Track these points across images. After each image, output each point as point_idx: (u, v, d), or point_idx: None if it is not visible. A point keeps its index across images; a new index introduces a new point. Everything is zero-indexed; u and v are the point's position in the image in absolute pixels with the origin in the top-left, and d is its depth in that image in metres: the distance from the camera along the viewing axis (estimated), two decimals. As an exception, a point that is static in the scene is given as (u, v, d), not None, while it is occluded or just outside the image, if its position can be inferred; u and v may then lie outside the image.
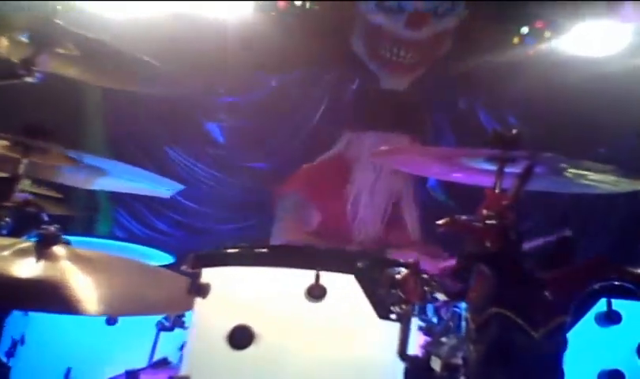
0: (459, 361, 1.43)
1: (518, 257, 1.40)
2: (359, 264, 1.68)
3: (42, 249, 1.84)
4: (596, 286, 1.66)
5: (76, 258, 2.00)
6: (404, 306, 1.61)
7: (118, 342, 2.71)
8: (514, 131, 1.78)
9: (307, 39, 4.62)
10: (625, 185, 1.82)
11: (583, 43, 4.76)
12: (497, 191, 1.75)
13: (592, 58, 4.73)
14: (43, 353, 2.60)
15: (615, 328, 1.70)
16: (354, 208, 2.84)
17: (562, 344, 1.33)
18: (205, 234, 4.69)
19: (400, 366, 1.59)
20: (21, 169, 2.07)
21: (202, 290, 1.81)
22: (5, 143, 2.04)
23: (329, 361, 1.64)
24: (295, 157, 4.64)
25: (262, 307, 1.70)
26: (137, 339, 2.81)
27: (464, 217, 1.81)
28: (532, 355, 1.31)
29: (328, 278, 1.67)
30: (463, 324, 1.45)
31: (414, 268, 1.64)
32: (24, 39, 2.07)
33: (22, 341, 2.58)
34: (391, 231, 2.91)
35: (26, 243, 1.93)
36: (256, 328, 1.66)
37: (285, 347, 1.65)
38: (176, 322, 2.51)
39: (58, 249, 1.84)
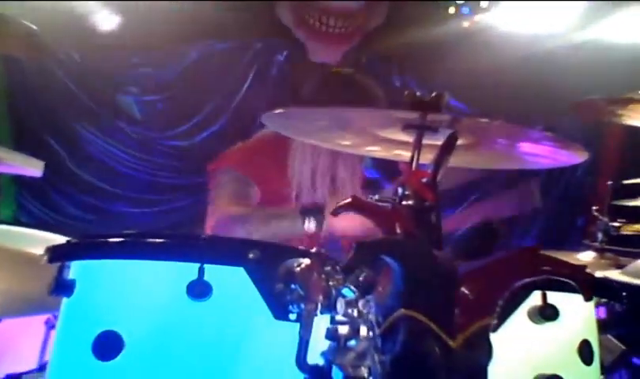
0: (364, 373, 1.18)
1: (433, 246, 1.15)
2: (251, 255, 1.40)
3: None
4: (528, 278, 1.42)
5: None
6: (305, 305, 1.34)
7: (5, 342, 2.50)
8: (434, 93, 1.54)
9: (229, 6, 4.31)
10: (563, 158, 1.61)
11: (521, 17, 4.59)
12: (414, 165, 1.50)
13: (529, 34, 4.57)
14: None
15: (551, 324, 1.47)
16: (296, 190, 2.58)
17: (486, 354, 1.08)
18: (121, 219, 4.37)
19: (298, 375, 1.33)
20: None
21: (67, 288, 1.51)
22: None
23: (215, 371, 1.36)
24: (223, 133, 4.36)
25: (135, 308, 1.41)
26: (23, 338, 2.57)
27: (371, 197, 1.57)
28: (448, 369, 1.06)
29: (214, 272, 1.39)
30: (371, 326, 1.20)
31: (317, 258, 1.38)
32: None
33: None
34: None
35: None
36: (126, 334, 1.37)
37: (162, 355, 1.37)
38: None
39: None
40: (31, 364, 2.43)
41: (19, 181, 4.14)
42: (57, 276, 1.52)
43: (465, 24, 4.61)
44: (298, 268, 1.37)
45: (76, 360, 1.42)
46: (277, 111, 1.56)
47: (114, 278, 1.45)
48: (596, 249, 2.82)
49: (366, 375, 1.18)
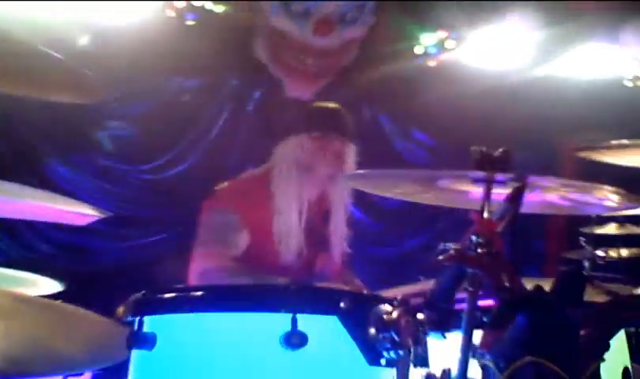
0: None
1: (551, 297, 1.22)
2: (342, 304, 1.44)
3: None
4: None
5: None
6: (399, 351, 1.39)
7: None
8: (502, 150, 1.62)
9: (206, 44, 4.33)
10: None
11: (484, 54, 4.80)
12: (486, 216, 1.58)
13: (494, 70, 4.78)
14: None
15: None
16: (278, 229, 2.59)
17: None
18: (96, 255, 4.28)
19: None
20: None
21: (148, 341, 1.50)
22: None
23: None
24: (197, 168, 4.34)
25: (228, 361, 1.43)
26: None
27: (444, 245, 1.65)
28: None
29: (306, 322, 1.42)
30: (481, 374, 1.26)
31: (405, 306, 1.43)
32: None
33: None
34: (318, 254, 2.69)
35: None
36: (224, 385, 1.39)
37: (261, 406, 1.39)
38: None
39: None
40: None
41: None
42: (137, 330, 1.51)
43: (432, 63, 4.79)
44: (388, 315, 1.43)
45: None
46: (364, 172, 1.62)
47: (205, 331, 1.46)
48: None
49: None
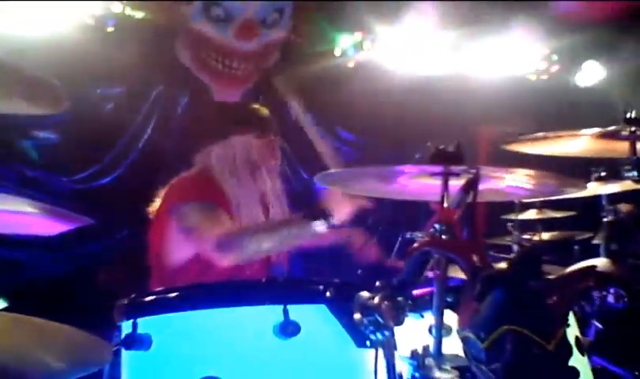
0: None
1: (520, 271, 1.40)
2: (328, 293, 1.57)
3: None
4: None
5: None
6: (384, 332, 1.53)
7: None
8: (455, 144, 1.79)
9: (130, 51, 4.33)
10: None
11: (398, 53, 5.04)
12: (445, 205, 1.75)
13: (408, 69, 5.02)
14: None
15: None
16: (242, 221, 2.72)
17: (570, 352, 1.36)
18: (27, 268, 4.20)
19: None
20: None
21: (144, 342, 1.59)
22: None
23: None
24: (130, 175, 4.34)
25: (226, 354, 1.53)
26: None
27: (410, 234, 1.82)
28: (549, 366, 1.32)
29: (297, 312, 1.54)
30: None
31: (385, 289, 1.58)
32: None
33: None
34: None
35: None
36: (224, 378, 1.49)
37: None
38: None
39: None
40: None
41: None
42: (132, 333, 1.58)
43: (350, 64, 4.98)
44: (371, 300, 1.57)
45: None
46: (331, 171, 1.75)
47: (200, 328, 1.55)
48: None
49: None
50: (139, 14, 4.33)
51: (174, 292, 1.61)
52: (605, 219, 2.78)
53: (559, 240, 4.15)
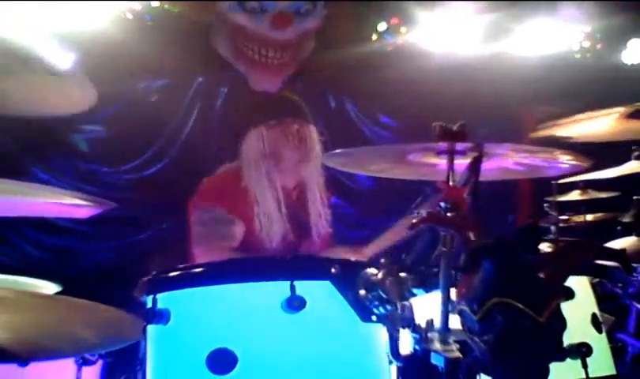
0: (459, 354, 1.45)
1: (510, 244, 1.44)
2: (334, 270, 1.64)
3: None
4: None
5: None
6: (387, 307, 1.59)
7: None
8: (458, 124, 1.83)
9: (169, 44, 4.46)
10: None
11: (437, 37, 5.03)
12: (451, 184, 1.78)
13: (447, 51, 5.01)
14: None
15: (568, 303, 1.79)
16: (259, 219, 2.77)
17: (564, 324, 1.39)
18: (82, 256, 4.40)
19: (387, 367, 1.59)
20: None
21: (163, 317, 1.69)
22: None
23: (316, 372, 1.59)
24: (174, 166, 4.48)
25: (237, 327, 1.62)
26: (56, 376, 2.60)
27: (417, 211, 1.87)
28: (541, 339, 1.36)
29: (303, 287, 1.62)
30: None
31: (389, 266, 1.64)
32: None
33: None
34: (301, 239, 2.88)
35: None
36: (237, 350, 1.57)
37: (270, 364, 1.58)
38: (100, 354, 2.33)
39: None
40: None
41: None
42: (152, 307, 1.69)
43: (388, 48, 5.00)
44: (375, 277, 1.63)
45: (189, 376, 1.60)
46: (341, 151, 1.81)
47: (213, 303, 1.64)
48: (551, 241, 3.20)
49: (460, 354, 1.45)
50: (176, 8, 4.46)
51: (190, 269, 1.70)
52: (636, 197, 2.77)
53: (603, 221, 4.10)
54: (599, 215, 4.09)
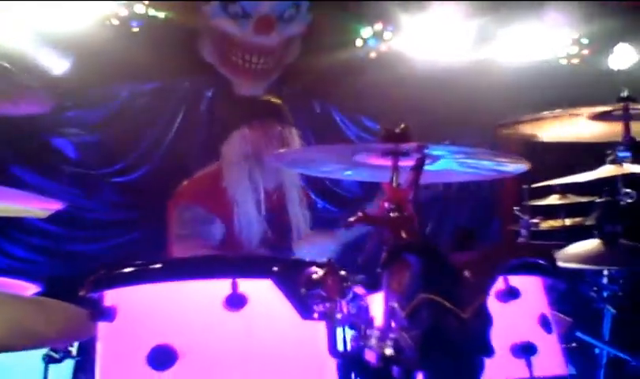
0: (391, 351, 1.48)
1: (437, 244, 1.47)
2: (275, 268, 1.67)
3: None
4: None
5: None
6: (327, 304, 1.62)
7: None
8: (402, 126, 1.86)
9: (155, 49, 4.52)
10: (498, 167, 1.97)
11: (422, 42, 5.07)
12: (394, 185, 1.81)
13: (430, 57, 5.05)
14: None
15: (515, 303, 1.83)
16: (238, 220, 2.81)
17: (489, 321, 1.42)
18: (72, 257, 4.46)
19: (329, 363, 1.61)
20: None
21: (109, 314, 1.72)
22: None
23: (257, 369, 1.62)
24: (161, 169, 4.54)
25: (179, 324, 1.65)
26: (23, 375, 2.64)
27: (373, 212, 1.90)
28: (464, 334, 1.38)
29: (245, 285, 1.65)
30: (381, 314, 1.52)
31: (330, 267, 1.66)
32: None
33: None
34: (281, 239, 2.92)
35: None
36: (178, 346, 1.61)
37: (210, 360, 1.61)
38: (65, 352, 2.37)
39: None
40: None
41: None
42: (98, 305, 1.72)
43: (372, 54, 5.06)
44: (316, 275, 1.66)
45: (131, 372, 1.63)
46: (285, 151, 1.84)
47: (157, 300, 1.68)
48: (520, 245, 3.22)
49: (392, 351, 1.48)
50: (162, 15, 4.52)
51: (136, 267, 1.74)
52: (598, 200, 2.78)
53: (579, 226, 4.11)
54: (577, 219, 4.11)
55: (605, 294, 3.23)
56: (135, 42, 4.46)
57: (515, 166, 1.92)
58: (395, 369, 1.50)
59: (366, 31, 4.98)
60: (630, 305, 3.25)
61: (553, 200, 4.06)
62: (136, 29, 4.47)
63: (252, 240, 2.82)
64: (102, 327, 1.76)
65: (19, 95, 2.02)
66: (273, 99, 3.13)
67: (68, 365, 2.83)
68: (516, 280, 1.88)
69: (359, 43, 5.03)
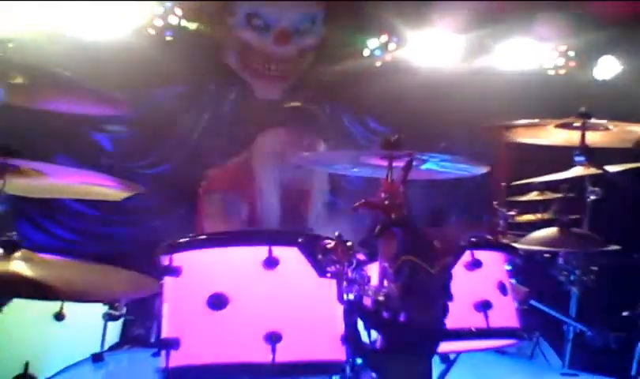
0: (382, 298, 2.09)
1: (414, 222, 2.08)
2: (300, 239, 2.28)
3: (10, 254, 2.29)
4: (463, 242, 2.40)
5: (37, 259, 2.41)
6: (337, 266, 2.23)
7: (69, 335, 3.06)
8: (396, 137, 2.46)
9: (185, 56, 5.13)
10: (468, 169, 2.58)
11: (423, 52, 5.66)
12: (389, 180, 2.42)
13: (430, 66, 5.64)
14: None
15: (478, 271, 2.44)
16: (261, 208, 3.42)
17: (450, 276, 2.03)
18: (107, 239, 5.06)
19: (338, 308, 2.22)
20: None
21: (176, 271, 2.33)
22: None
23: (286, 313, 2.22)
24: (188, 162, 5.15)
25: (229, 278, 2.26)
26: (84, 331, 3.14)
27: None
28: (432, 284, 2.00)
29: (278, 251, 2.26)
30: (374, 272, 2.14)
31: (340, 239, 2.27)
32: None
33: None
34: (293, 222, 3.51)
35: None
36: (229, 293, 2.22)
37: (252, 304, 2.22)
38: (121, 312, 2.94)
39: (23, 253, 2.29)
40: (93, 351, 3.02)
41: (18, 210, 4.75)
42: (169, 264, 2.33)
43: (378, 63, 5.66)
44: (329, 245, 2.27)
45: (195, 312, 2.24)
46: (309, 154, 2.45)
47: (213, 261, 2.29)
48: (498, 233, 3.80)
49: (383, 298, 2.09)
50: (193, 26, 5.13)
51: (198, 237, 2.35)
52: (557, 195, 3.39)
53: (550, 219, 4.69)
54: (552, 214, 4.69)
55: (572, 278, 3.84)
56: (168, 49, 5.07)
57: (479, 168, 2.53)
58: (385, 313, 2.11)
59: (372, 43, 5.59)
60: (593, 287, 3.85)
61: (532, 196, 4.65)
62: (169, 38, 5.08)
63: (271, 223, 3.42)
64: (169, 281, 2.37)
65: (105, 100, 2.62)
66: (311, 107, 3.65)
67: (118, 323, 3.42)
68: (481, 254, 2.50)
69: (366, 52, 5.63)
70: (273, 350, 2.15)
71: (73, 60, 4.68)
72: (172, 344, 2.25)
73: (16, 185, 2.52)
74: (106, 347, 3.14)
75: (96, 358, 2.82)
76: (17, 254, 2.32)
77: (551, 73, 6.19)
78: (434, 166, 2.53)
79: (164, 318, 2.35)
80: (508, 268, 2.69)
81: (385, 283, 2.09)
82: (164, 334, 2.30)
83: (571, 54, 6.16)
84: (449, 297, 2.03)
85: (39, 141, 4.92)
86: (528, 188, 4.64)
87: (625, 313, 3.23)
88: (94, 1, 4.75)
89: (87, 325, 3.13)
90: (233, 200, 3.41)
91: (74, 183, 2.75)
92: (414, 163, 2.37)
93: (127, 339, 3.35)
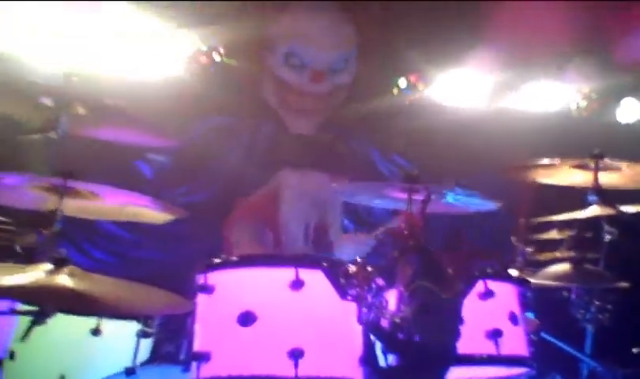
0: (398, 320, 2.28)
1: (429, 249, 2.27)
2: (324, 263, 2.49)
3: (59, 269, 2.53)
4: (476, 272, 2.59)
5: (83, 276, 2.64)
6: (358, 290, 2.43)
7: (103, 350, 3.20)
8: (415, 172, 2.68)
9: (226, 90, 5.42)
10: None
11: (449, 92, 5.87)
12: (408, 211, 2.63)
13: (457, 105, 5.85)
14: (36, 364, 3.10)
15: (490, 300, 2.62)
16: (285, 238, 3.64)
17: (461, 302, 2.22)
18: (137, 262, 5.29)
19: (357, 329, 2.42)
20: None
21: (210, 289, 2.55)
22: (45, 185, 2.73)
23: (309, 331, 2.43)
24: (220, 193, 5.38)
25: (258, 297, 2.47)
26: (118, 346, 3.25)
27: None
28: (444, 308, 2.19)
29: (304, 274, 2.47)
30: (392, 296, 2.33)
31: (361, 265, 2.48)
32: (47, 102, 2.78)
33: (11, 356, 3.05)
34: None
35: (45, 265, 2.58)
36: (257, 312, 2.43)
37: (279, 322, 2.43)
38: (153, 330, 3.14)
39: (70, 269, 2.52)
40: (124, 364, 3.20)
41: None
42: (203, 282, 2.56)
43: (406, 101, 5.89)
44: (352, 270, 2.47)
45: (225, 327, 2.46)
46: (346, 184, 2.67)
47: (244, 281, 2.51)
48: (516, 269, 3.92)
49: (399, 321, 2.28)
50: (234, 62, 5.43)
51: (231, 258, 2.58)
52: (569, 234, 3.54)
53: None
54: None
55: (588, 316, 3.96)
56: (210, 84, 5.36)
57: (491, 204, 2.72)
58: (400, 334, 2.30)
59: (401, 82, 5.82)
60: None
61: (552, 234, 4.78)
62: (212, 74, 5.37)
63: (295, 251, 3.66)
64: (202, 298, 2.59)
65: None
66: (339, 146, 3.89)
67: (149, 341, 3.59)
68: (494, 285, 2.68)
69: (395, 91, 5.86)
70: (296, 365, 2.35)
71: (124, 93, 4.98)
72: (204, 357, 2.46)
73: (72, 207, 2.77)
74: (137, 362, 3.31)
75: (129, 371, 2.99)
76: (65, 270, 2.57)
77: (575, 113, 6.30)
78: (452, 199, 2.73)
79: (196, 333, 2.57)
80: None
81: (402, 306, 2.28)
82: (196, 347, 2.52)
83: (594, 96, 6.26)
84: (461, 321, 2.21)
85: (86, 168, 5.20)
86: (549, 226, 4.78)
87: (635, 350, 3.36)
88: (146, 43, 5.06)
89: (121, 341, 3.24)
90: (259, 229, 3.65)
91: (124, 204, 2.99)
92: (432, 197, 2.57)
93: (157, 356, 3.47)
